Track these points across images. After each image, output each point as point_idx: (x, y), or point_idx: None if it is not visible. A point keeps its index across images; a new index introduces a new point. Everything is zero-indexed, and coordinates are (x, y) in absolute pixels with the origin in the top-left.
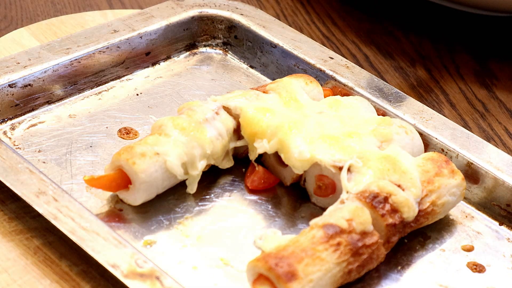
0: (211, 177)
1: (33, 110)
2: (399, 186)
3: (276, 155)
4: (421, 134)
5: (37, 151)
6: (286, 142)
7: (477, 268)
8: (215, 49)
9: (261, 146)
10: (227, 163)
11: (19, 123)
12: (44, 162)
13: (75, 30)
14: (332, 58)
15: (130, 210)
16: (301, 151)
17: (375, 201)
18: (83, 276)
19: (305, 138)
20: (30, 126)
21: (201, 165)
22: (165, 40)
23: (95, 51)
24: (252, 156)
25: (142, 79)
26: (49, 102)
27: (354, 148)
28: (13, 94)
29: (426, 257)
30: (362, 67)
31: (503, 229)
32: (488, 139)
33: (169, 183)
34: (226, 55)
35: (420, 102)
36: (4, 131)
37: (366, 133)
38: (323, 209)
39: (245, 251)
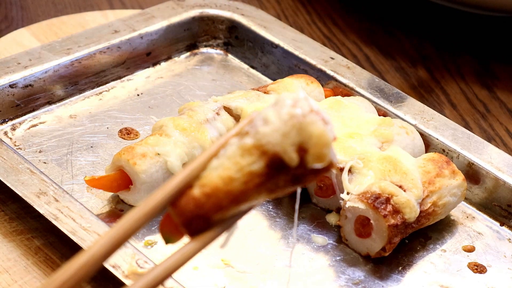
0: None
1: (33, 110)
2: (400, 187)
3: None
4: (422, 135)
5: (38, 152)
6: None
7: (478, 268)
8: (216, 50)
9: None
10: None
11: (20, 124)
12: (45, 163)
13: (76, 30)
14: (333, 58)
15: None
16: None
17: (377, 202)
18: None
19: None
20: (31, 127)
21: None
22: (165, 40)
23: (96, 51)
24: None
25: (142, 79)
26: (49, 103)
27: (355, 149)
28: (13, 95)
29: (427, 258)
30: (363, 68)
31: (504, 229)
32: (489, 139)
33: None
34: (227, 55)
35: (421, 102)
36: (5, 132)
37: (367, 134)
38: (324, 210)
39: (246, 251)
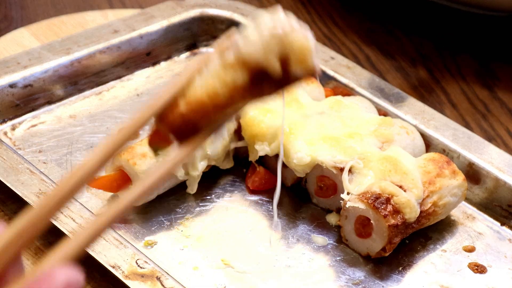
0: (212, 178)
1: (33, 110)
2: (400, 187)
3: (277, 155)
4: (422, 135)
5: (37, 152)
6: (287, 145)
7: (479, 268)
8: None
9: (262, 149)
10: (228, 164)
11: (19, 124)
12: (44, 163)
13: (76, 30)
14: (333, 58)
15: (130, 210)
16: (301, 157)
17: (377, 202)
18: (84, 277)
19: (306, 140)
20: (31, 127)
21: (202, 166)
22: (165, 40)
23: (95, 51)
24: (252, 157)
25: (142, 79)
26: (49, 102)
27: (355, 149)
28: (13, 95)
29: (427, 258)
30: (363, 67)
31: (505, 229)
32: (490, 139)
33: (169, 183)
34: None
35: (422, 102)
36: (5, 132)
37: (367, 134)
38: (324, 210)
39: (246, 251)
